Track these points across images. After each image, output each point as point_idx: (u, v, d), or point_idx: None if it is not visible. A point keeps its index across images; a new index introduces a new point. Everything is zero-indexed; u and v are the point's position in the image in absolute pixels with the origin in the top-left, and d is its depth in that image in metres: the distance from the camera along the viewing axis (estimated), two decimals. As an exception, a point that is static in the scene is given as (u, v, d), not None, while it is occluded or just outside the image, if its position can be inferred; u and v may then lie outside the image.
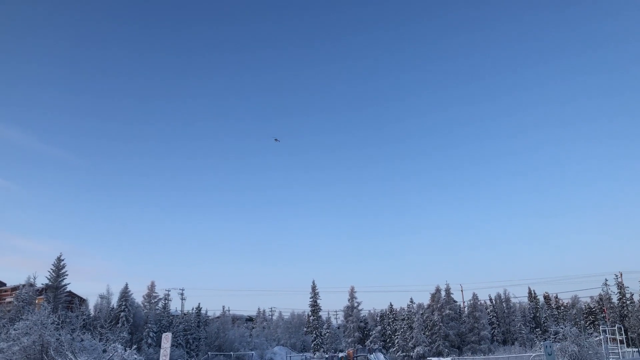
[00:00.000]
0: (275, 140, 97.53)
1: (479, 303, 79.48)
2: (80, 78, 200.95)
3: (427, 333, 73.36)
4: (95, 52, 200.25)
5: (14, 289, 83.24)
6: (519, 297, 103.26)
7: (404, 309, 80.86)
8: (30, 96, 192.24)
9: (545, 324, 78.85)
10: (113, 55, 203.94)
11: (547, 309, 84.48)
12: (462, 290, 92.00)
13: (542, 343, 35.64)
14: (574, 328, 32.94)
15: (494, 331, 78.06)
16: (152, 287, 72.94)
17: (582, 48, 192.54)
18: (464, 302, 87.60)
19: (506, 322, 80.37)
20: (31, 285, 64.09)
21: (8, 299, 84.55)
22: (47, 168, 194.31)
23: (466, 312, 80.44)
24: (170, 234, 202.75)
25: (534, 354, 48.90)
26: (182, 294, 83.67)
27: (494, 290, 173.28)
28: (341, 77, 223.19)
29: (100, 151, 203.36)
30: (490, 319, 79.10)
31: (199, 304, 76.24)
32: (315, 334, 78.46)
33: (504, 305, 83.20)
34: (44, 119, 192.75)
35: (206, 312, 76.75)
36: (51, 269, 64.57)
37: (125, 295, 65.64)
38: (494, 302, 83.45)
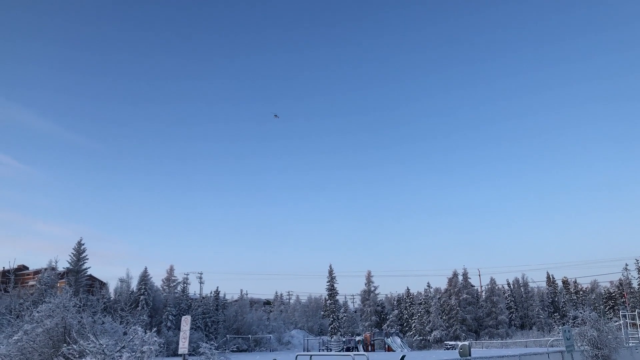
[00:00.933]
0: (275, 116, 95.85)
1: (496, 287, 79.35)
2: (100, 62, 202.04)
3: (444, 317, 73.46)
4: (118, 34, 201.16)
5: (36, 272, 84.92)
6: (537, 281, 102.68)
7: (421, 294, 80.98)
8: (49, 81, 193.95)
9: (564, 309, 78.51)
10: (136, 37, 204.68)
11: (566, 294, 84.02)
12: (479, 275, 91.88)
13: (560, 327, 35.49)
14: (593, 313, 32.68)
15: (512, 316, 77.94)
16: (171, 270, 73.81)
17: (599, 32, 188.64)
18: (481, 286, 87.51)
19: (524, 306, 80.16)
20: (53, 269, 65.21)
21: (31, 282, 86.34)
22: (66, 153, 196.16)
23: (484, 296, 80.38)
24: (188, 217, 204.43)
25: (552, 339, 48.84)
26: (200, 278, 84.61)
27: (512, 275, 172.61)
28: (365, 63, 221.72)
29: (118, 136, 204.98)
30: (507, 303, 78.95)
31: (217, 287, 77.10)
32: (332, 317, 78.97)
33: (522, 290, 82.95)
34: (63, 104, 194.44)
35: (224, 295, 77.53)
36: (72, 253, 65.61)
37: (144, 279, 66.52)
38: (511, 287, 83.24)
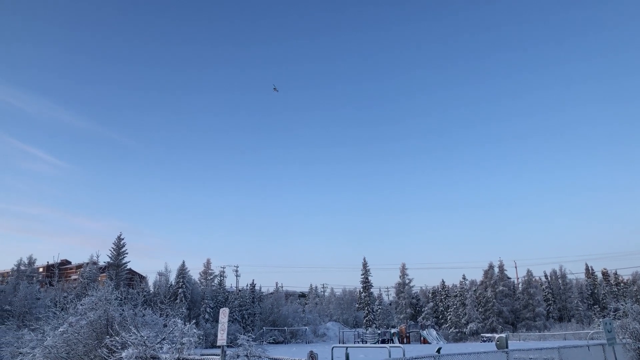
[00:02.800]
0: (274, 89, 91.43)
1: (533, 279, 78.10)
2: (134, 61, 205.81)
3: (480, 309, 72.74)
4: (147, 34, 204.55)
5: (79, 266, 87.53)
6: (575, 273, 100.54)
7: (456, 286, 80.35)
8: (86, 81, 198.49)
9: (604, 301, 76.73)
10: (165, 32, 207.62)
11: (606, 286, 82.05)
12: (515, 267, 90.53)
13: (601, 320, 34.77)
14: (636, 305, 31.93)
15: (549, 308, 76.62)
16: (207, 264, 75.12)
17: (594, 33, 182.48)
18: (517, 278, 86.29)
19: (562, 298, 78.73)
20: (94, 263, 67.02)
21: (73, 276, 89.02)
22: (103, 150, 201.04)
23: (520, 288, 79.24)
24: (224, 211, 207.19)
25: (592, 331, 47.82)
26: (236, 271, 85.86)
27: (549, 267, 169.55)
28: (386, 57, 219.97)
29: (153, 133, 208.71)
30: (545, 295, 77.64)
31: (253, 280, 78.22)
32: (367, 310, 79.04)
33: (560, 282, 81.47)
34: (100, 103, 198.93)
35: (260, 288, 78.46)
36: (112, 248, 67.30)
37: (182, 272, 67.78)
38: (549, 279, 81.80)
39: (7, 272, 78.59)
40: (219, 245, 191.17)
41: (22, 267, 68.65)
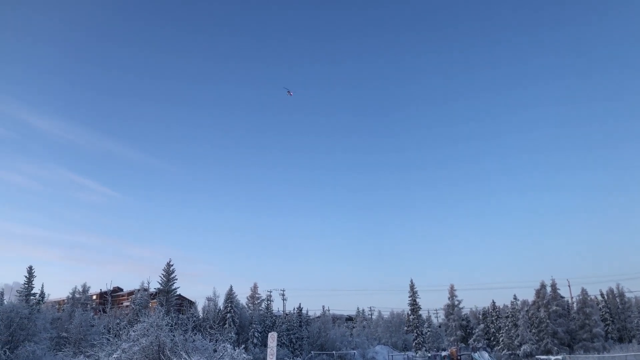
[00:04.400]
0: (288, 92, 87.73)
1: (588, 299, 75.16)
2: (174, 89, 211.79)
3: (533, 330, 70.45)
4: (186, 63, 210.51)
5: (130, 293, 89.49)
6: (634, 291, 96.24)
7: (507, 306, 78.13)
8: (132, 110, 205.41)
9: (667, 320, 73.10)
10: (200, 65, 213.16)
11: (668, 304, 78.25)
12: (569, 286, 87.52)
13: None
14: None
15: (608, 328, 73.49)
16: (254, 288, 75.61)
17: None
18: (571, 298, 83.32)
19: (621, 318, 75.46)
20: (145, 289, 68.43)
21: (125, 303, 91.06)
22: (154, 179, 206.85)
23: (575, 308, 76.40)
24: (270, 235, 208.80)
25: (655, 352, 45.71)
26: (283, 295, 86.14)
27: (605, 285, 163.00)
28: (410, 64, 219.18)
29: (197, 160, 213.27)
30: (602, 315, 74.58)
31: (300, 304, 78.08)
32: (416, 332, 77.71)
33: (618, 301, 78.18)
34: (145, 132, 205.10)
35: (307, 312, 78.32)
36: (162, 274, 68.63)
37: (230, 297, 68.40)
38: (605, 298, 78.63)
39: (63, 300, 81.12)
40: (265, 269, 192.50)
41: (77, 295, 70.80)
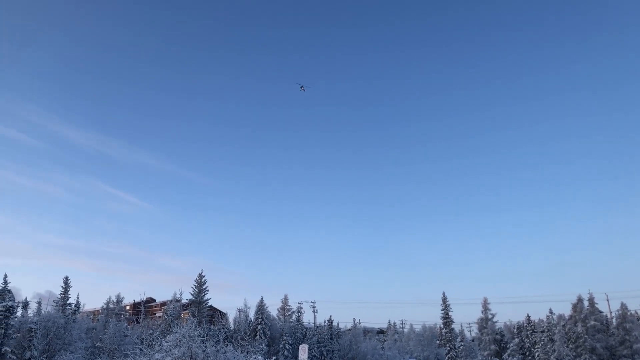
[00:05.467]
0: (302, 88, 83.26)
1: (628, 313, 72.78)
2: (205, 104, 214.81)
3: (570, 346, 68.50)
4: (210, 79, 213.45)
5: (162, 304, 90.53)
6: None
7: (542, 321, 76.18)
8: (164, 124, 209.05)
9: None
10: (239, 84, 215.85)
11: None
12: (607, 300, 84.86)
13: None
14: None
15: (650, 344, 70.99)
16: (285, 300, 75.49)
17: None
18: (610, 312, 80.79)
19: (663, 334, 72.82)
20: (177, 301, 69.06)
21: (158, 314, 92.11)
22: (186, 190, 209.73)
23: (614, 323, 74.08)
24: (301, 247, 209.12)
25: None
26: (313, 307, 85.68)
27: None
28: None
29: (229, 172, 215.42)
30: (643, 330, 72.13)
31: (330, 316, 77.56)
32: (449, 346, 76.40)
33: (660, 316, 75.49)
34: (177, 145, 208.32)
35: (337, 324, 77.77)
36: (194, 285, 69.14)
37: (261, 308, 68.43)
38: (647, 312, 76.07)
39: (98, 311, 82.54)
40: (295, 280, 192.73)
41: (111, 306, 71.93)
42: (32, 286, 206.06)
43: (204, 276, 69.75)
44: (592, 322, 68.91)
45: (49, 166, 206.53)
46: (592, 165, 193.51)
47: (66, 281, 63.53)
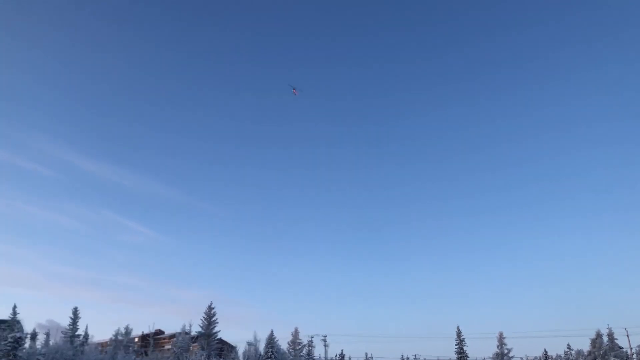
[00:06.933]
0: (294, 91, 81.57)
1: (650, 349, 70.87)
2: (215, 128, 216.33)
3: (590, 383, 66.57)
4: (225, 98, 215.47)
5: (171, 336, 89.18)
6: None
7: (560, 356, 74.38)
8: (170, 150, 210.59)
9: None
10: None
11: None
12: (627, 335, 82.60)
13: None
14: None
15: (672, 382, 68.86)
16: (295, 333, 74.22)
17: None
18: (630, 348, 78.59)
19: (686, 371, 70.66)
20: (186, 333, 68.12)
21: (167, 346, 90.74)
22: (196, 221, 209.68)
23: (635, 359, 72.06)
24: (312, 279, 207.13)
25: None
26: (324, 340, 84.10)
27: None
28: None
29: (241, 202, 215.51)
30: (665, 367, 70.07)
31: (342, 350, 76.21)
32: (464, 382, 74.58)
33: (682, 352, 73.36)
34: (192, 176, 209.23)
35: (349, 358, 76.25)
36: (203, 317, 68.28)
37: (271, 342, 67.36)
38: (668, 349, 73.93)
39: (106, 342, 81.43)
40: (307, 313, 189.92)
41: (120, 337, 71.00)
42: (35, 316, 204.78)
43: (213, 308, 68.96)
44: (612, 358, 67.09)
45: (60, 195, 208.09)
46: (610, 197, 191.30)
47: (75, 312, 63.00)
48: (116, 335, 71.49)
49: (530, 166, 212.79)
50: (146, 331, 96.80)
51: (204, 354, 30.01)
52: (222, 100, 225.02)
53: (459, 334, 76.92)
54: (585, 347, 72.42)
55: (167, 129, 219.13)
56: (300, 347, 73.15)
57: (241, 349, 76.43)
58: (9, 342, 48.75)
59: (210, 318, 68.44)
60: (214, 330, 68.39)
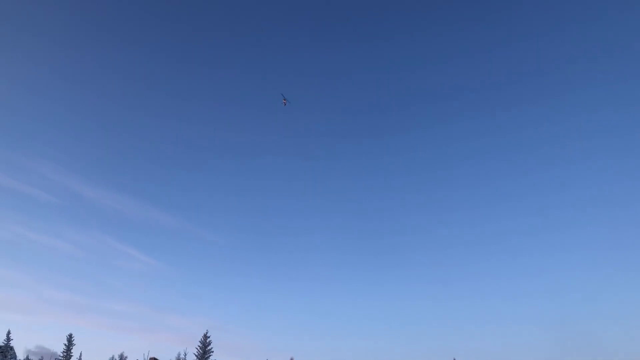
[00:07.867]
0: (284, 101, 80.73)
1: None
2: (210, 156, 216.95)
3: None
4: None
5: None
6: None
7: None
8: (171, 177, 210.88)
9: None
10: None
11: None
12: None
13: None
14: None
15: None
16: (291, 363, 73.58)
17: None
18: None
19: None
20: (181, 361, 67.52)
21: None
22: (194, 248, 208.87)
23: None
24: (305, 308, 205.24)
25: None
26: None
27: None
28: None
29: (240, 230, 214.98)
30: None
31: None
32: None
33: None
34: (186, 201, 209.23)
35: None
36: (198, 346, 67.82)
37: (266, 372, 66.66)
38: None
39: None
40: (302, 342, 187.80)
41: (114, 365, 70.34)
42: (24, 342, 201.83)
43: (209, 337, 68.60)
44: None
45: (60, 221, 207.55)
46: (611, 227, 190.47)
47: (70, 338, 62.51)
48: (110, 363, 70.80)
49: (530, 165, 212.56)
50: (141, 359, 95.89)
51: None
52: (220, 136, 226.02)
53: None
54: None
55: (166, 158, 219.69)
56: (295, 378, 72.51)
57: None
58: (2, 368, 48.32)
59: (205, 347, 67.91)
60: (209, 359, 67.77)
